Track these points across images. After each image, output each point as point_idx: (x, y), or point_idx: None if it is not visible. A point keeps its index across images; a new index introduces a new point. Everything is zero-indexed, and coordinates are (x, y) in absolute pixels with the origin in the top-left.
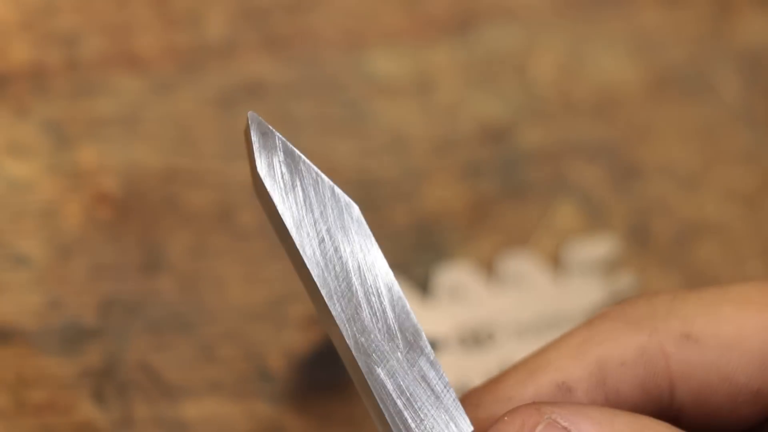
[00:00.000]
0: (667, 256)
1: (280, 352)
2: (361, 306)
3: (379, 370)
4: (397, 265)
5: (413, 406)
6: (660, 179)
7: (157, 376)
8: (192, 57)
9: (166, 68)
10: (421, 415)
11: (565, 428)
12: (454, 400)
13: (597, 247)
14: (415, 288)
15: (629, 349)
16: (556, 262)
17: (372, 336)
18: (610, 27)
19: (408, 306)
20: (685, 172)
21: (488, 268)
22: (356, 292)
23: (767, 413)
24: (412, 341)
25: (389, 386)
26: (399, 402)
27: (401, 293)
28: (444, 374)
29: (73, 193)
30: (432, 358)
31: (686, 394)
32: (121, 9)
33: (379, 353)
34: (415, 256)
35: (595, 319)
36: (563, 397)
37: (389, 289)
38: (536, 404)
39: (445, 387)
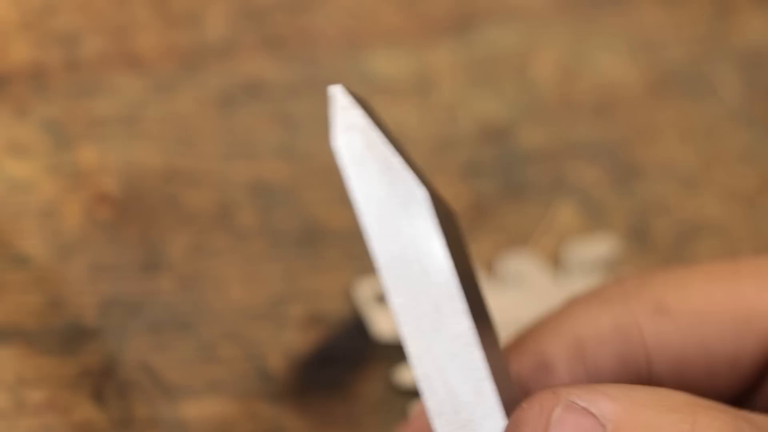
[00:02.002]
0: (667, 256)
1: (280, 352)
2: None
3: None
4: None
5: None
6: (660, 179)
7: (157, 376)
8: (192, 57)
9: (166, 68)
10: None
11: (584, 408)
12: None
13: (597, 247)
14: None
15: (604, 324)
16: (556, 262)
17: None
18: (610, 27)
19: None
20: (685, 172)
21: (488, 268)
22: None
23: (745, 383)
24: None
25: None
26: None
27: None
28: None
29: (73, 193)
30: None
31: (664, 366)
32: (121, 9)
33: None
34: None
35: (567, 303)
36: (544, 375)
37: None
38: (553, 389)
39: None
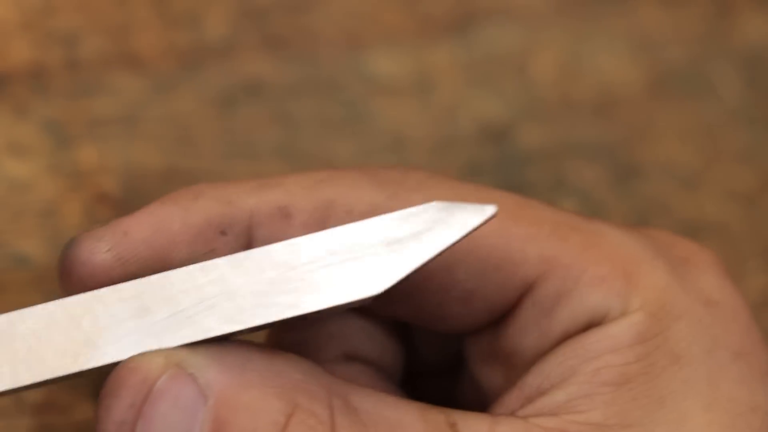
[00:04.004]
0: None
1: None
2: None
3: None
4: None
5: None
6: (660, 179)
7: None
8: (192, 57)
9: (166, 68)
10: None
11: (191, 375)
12: None
13: None
14: None
15: (362, 201)
16: None
17: None
18: (610, 26)
19: None
20: (685, 172)
21: None
22: None
23: (476, 322)
24: None
25: None
26: None
27: None
28: None
29: (73, 193)
30: None
31: None
32: (121, 9)
33: None
34: None
35: (348, 170)
36: (281, 221)
37: None
38: (164, 352)
39: None
